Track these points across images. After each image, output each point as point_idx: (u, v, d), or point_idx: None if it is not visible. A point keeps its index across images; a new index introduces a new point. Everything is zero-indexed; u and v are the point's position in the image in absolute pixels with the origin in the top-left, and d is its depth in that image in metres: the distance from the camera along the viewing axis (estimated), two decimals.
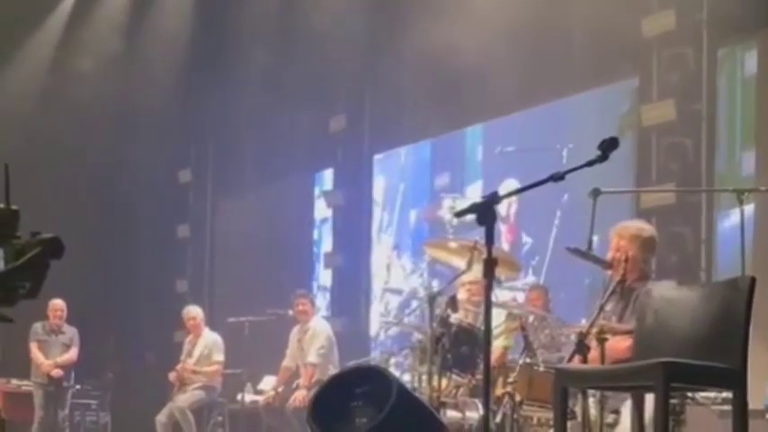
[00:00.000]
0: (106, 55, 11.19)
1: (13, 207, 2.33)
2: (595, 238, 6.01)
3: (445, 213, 9.72)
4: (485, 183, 9.20)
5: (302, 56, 10.11)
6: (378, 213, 10.73)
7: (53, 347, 9.96)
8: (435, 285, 9.00)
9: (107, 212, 11.88)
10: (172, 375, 9.30)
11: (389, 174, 10.69)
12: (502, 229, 8.82)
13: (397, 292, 10.28)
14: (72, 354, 9.97)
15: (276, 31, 10.26)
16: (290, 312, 8.84)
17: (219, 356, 9.29)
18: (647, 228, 5.18)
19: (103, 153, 11.30)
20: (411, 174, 10.46)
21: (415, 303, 9.70)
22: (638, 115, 7.68)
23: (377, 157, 10.78)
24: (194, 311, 9.65)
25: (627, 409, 4.51)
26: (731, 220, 6.92)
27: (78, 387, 10.32)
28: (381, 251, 10.60)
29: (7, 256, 2.29)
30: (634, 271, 4.93)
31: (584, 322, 5.64)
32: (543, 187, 3.54)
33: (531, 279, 8.33)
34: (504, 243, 8.64)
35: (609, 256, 4.96)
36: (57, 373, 9.79)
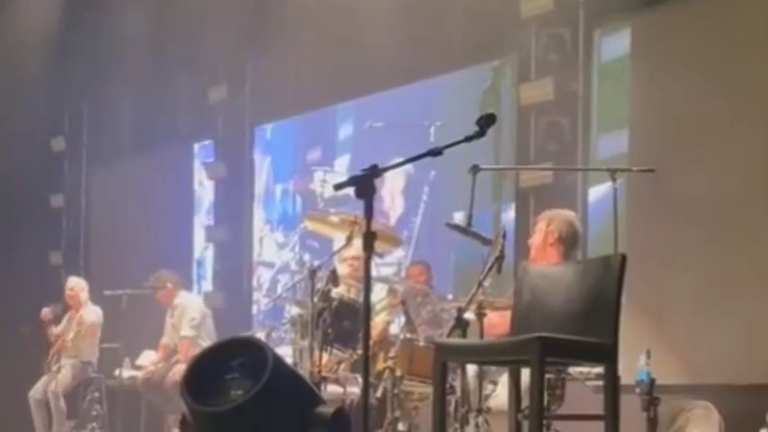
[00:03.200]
0: None
1: None
2: (458, 215, 6.11)
3: (316, 186, 9.76)
4: (353, 157, 9.31)
5: (181, 22, 9.91)
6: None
7: None
8: (307, 259, 9.05)
9: None
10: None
11: (256, 148, 10.64)
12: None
13: (270, 265, 10.28)
14: None
15: None
16: (170, 285, 8.75)
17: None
18: None
19: None
20: (277, 148, 10.45)
21: (286, 277, 9.74)
22: (507, 93, 7.86)
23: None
24: (71, 282, 9.45)
25: (504, 378, 4.62)
26: (593, 196, 7.17)
27: None
28: (255, 224, 10.58)
29: None
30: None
31: (450, 297, 5.75)
32: (413, 163, 3.62)
33: (399, 253, 8.41)
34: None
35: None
36: None
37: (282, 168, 10.39)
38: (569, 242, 5.23)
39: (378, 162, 3.43)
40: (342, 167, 9.51)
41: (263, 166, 10.57)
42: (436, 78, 8.62)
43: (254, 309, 10.28)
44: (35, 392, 8.89)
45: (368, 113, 9.29)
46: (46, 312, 9.16)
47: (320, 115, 9.96)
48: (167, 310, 8.80)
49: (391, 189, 8.88)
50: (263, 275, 10.40)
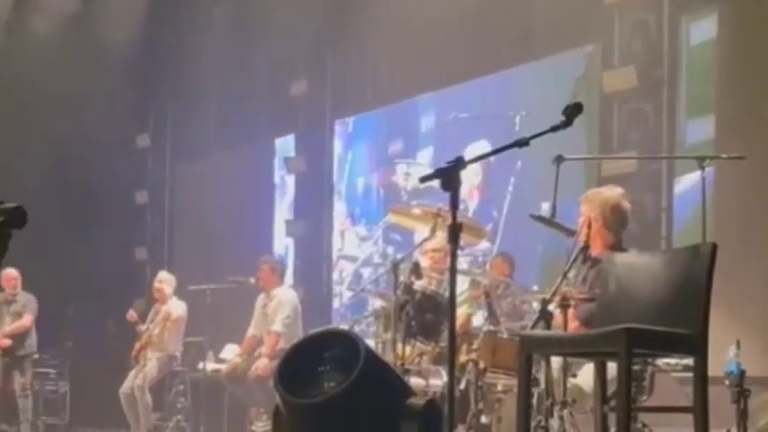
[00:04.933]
0: (63, 16, 11.00)
1: None
2: (545, 206, 5.99)
3: (399, 179, 9.74)
4: (435, 149, 9.26)
5: (263, 19, 10.01)
6: None
7: (4, 317, 9.94)
8: (390, 252, 9.01)
9: (64, 178, 11.72)
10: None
11: (338, 141, 10.66)
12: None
13: (352, 259, 10.27)
14: (24, 321, 9.94)
15: None
16: (252, 280, 8.76)
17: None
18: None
19: (60, 117, 11.13)
20: (359, 141, 10.45)
21: (369, 270, 9.73)
22: (594, 81, 7.73)
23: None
24: (161, 276, 9.55)
25: (588, 365, 4.54)
26: (681, 185, 7.01)
27: (36, 356, 10.24)
28: (336, 218, 10.60)
29: None
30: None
31: (535, 289, 5.66)
32: (498, 154, 3.57)
33: (485, 245, 8.34)
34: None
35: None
36: (4, 343, 9.77)
37: (364, 161, 10.40)
38: (616, 226, 4.99)
39: (462, 153, 3.39)
40: (425, 160, 9.46)
41: (344, 160, 10.60)
42: (518, 67, 8.53)
43: (336, 302, 10.29)
44: (125, 388, 9.00)
45: (449, 105, 9.23)
46: (131, 314, 9.28)
47: (401, 107, 9.94)
48: (260, 298, 8.66)
49: (467, 183, 8.81)
50: (345, 269, 10.41)
